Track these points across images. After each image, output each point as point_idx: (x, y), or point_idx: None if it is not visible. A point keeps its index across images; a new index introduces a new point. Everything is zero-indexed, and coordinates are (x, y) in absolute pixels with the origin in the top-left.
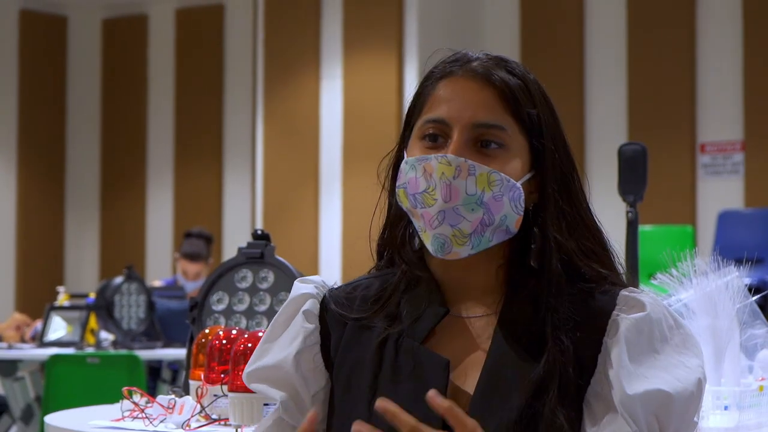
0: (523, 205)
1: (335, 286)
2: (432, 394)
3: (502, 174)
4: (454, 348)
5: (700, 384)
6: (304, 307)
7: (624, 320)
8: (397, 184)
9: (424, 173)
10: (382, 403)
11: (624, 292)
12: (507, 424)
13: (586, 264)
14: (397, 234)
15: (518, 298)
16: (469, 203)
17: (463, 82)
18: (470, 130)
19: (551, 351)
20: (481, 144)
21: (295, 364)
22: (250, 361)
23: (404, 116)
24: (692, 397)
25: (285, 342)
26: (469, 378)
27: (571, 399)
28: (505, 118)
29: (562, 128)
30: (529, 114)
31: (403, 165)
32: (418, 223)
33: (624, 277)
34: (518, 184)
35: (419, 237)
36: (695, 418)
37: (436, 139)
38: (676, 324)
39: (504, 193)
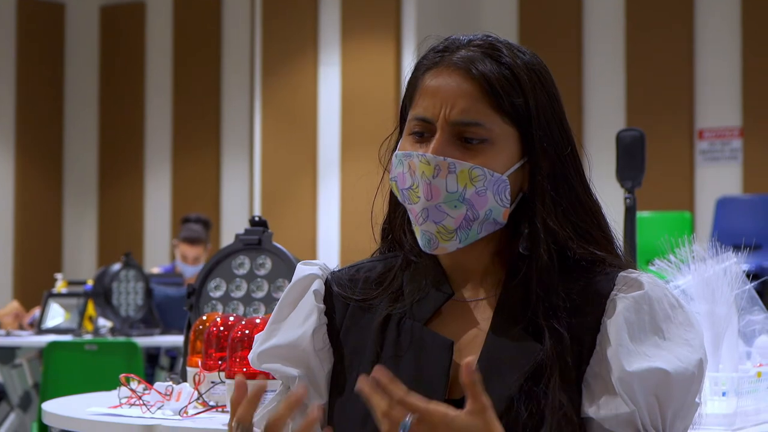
0: (509, 198)
1: (337, 269)
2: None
3: (485, 169)
4: (456, 329)
5: (701, 364)
6: (314, 287)
7: (622, 299)
8: (390, 176)
9: (409, 170)
10: (377, 373)
11: (622, 273)
12: (506, 399)
13: (583, 247)
14: (398, 217)
15: (515, 283)
16: (451, 200)
17: (446, 75)
18: (451, 127)
19: (547, 340)
20: (465, 139)
21: (312, 341)
22: (258, 342)
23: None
24: (693, 378)
25: (297, 321)
26: (470, 357)
27: (569, 381)
28: (486, 112)
29: (559, 108)
30: (513, 104)
31: (394, 157)
32: (411, 217)
33: (623, 258)
34: (504, 177)
35: None
36: (697, 399)
37: (422, 135)
38: (678, 303)
39: (488, 188)
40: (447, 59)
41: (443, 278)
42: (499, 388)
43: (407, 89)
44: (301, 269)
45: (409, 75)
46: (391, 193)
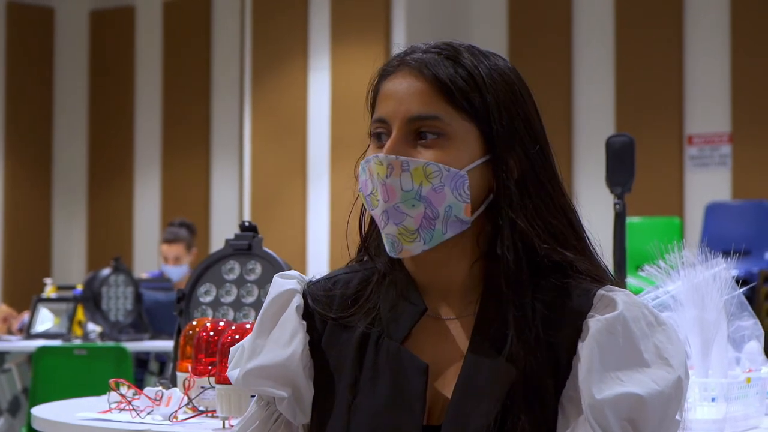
0: (469, 192)
1: (313, 280)
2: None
3: (440, 165)
4: (434, 349)
5: (679, 383)
6: (295, 303)
7: (596, 322)
8: (358, 187)
9: (369, 175)
10: None
11: (601, 291)
12: (484, 428)
13: (553, 247)
14: (370, 233)
15: (494, 299)
16: (408, 199)
17: (400, 78)
18: (406, 125)
19: (522, 362)
20: (420, 137)
21: (300, 361)
22: (241, 360)
23: None
24: (670, 399)
25: (282, 339)
26: (447, 381)
27: (545, 404)
28: (440, 107)
29: (525, 107)
30: (470, 99)
31: (359, 167)
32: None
33: (597, 261)
34: (461, 172)
35: None
36: (677, 417)
37: (381, 137)
38: (657, 321)
39: (445, 183)
40: (402, 62)
41: (415, 293)
42: (476, 416)
43: (370, 99)
44: (279, 283)
45: (370, 85)
46: (363, 207)
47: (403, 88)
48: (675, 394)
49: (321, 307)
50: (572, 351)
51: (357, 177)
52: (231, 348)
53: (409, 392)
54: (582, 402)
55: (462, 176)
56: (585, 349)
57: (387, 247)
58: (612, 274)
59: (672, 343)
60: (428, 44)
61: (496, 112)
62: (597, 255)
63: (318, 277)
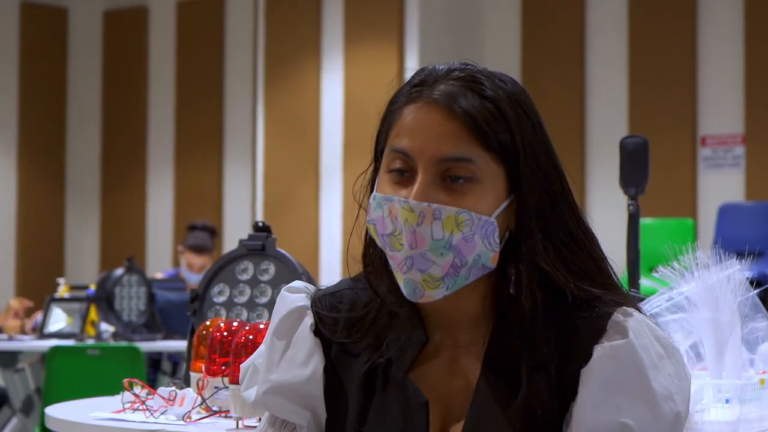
0: (498, 241)
1: (317, 295)
2: None
3: (473, 213)
4: (442, 379)
5: (678, 419)
6: (308, 321)
7: (602, 348)
8: (367, 218)
9: (390, 215)
10: None
11: (616, 317)
12: None
13: (577, 286)
14: (374, 258)
15: (505, 330)
16: (437, 248)
17: (426, 110)
18: (435, 165)
19: (528, 398)
20: (450, 179)
21: (319, 384)
22: (254, 379)
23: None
24: None
25: (299, 359)
26: (456, 412)
27: None
28: (472, 149)
29: (545, 139)
30: (500, 141)
31: (371, 200)
32: (391, 262)
33: (621, 292)
34: (491, 219)
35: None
36: None
37: (403, 173)
38: (668, 353)
39: (475, 232)
40: (426, 94)
41: (418, 324)
42: None
43: (383, 124)
44: (289, 299)
45: (385, 109)
46: (367, 231)
47: (432, 124)
48: (672, 430)
49: (327, 330)
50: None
51: (362, 205)
52: (241, 366)
53: (413, 426)
54: (573, 427)
55: (492, 224)
56: (585, 374)
57: (406, 291)
58: (634, 299)
59: (679, 378)
60: (445, 68)
61: (523, 150)
62: (620, 284)
63: (322, 288)
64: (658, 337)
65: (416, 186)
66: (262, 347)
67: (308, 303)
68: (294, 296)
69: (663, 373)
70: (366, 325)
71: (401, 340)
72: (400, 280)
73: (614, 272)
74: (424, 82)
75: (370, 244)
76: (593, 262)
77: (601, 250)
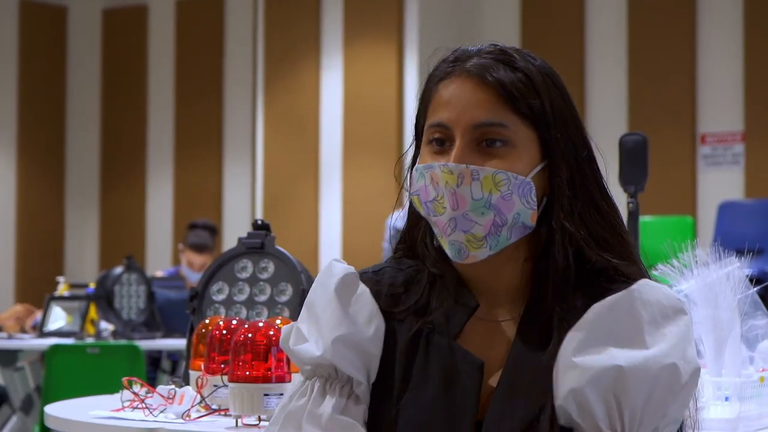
0: (536, 199)
1: (361, 271)
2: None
3: (509, 173)
4: (483, 349)
5: (674, 369)
6: (364, 287)
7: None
8: (410, 191)
9: (431, 181)
10: None
11: (637, 284)
12: (523, 425)
13: (597, 253)
14: (417, 235)
15: (540, 298)
16: (478, 207)
17: (460, 83)
18: (471, 131)
19: (555, 352)
20: (486, 143)
21: (378, 346)
22: (312, 332)
23: (407, 111)
24: (657, 379)
25: (362, 317)
26: (493, 376)
27: None
28: (505, 114)
29: (574, 111)
30: (531, 106)
31: (414, 172)
32: (435, 229)
33: (639, 265)
34: (527, 179)
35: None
36: (672, 413)
37: (443, 143)
38: (675, 313)
39: (513, 191)
40: (460, 68)
41: (468, 292)
42: (519, 410)
43: (420, 102)
44: (340, 266)
45: (422, 89)
46: (410, 209)
47: (466, 94)
48: (664, 378)
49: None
50: None
51: (405, 182)
52: (284, 328)
53: (462, 388)
54: (556, 370)
55: (528, 183)
56: (581, 321)
57: (451, 253)
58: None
59: (681, 338)
60: (477, 48)
61: (553, 118)
62: (640, 259)
63: (362, 269)
64: (668, 298)
65: (454, 151)
66: (304, 312)
67: (357, 273)
68: (344, 265)
69: (664, 330)
70: (411, 294)
71: (446, 307)
72: (445, 244)
73: (633, 247)
74: (457, 59)
75: (413, 225)
76: (614, 233)
77: (623, 224)
